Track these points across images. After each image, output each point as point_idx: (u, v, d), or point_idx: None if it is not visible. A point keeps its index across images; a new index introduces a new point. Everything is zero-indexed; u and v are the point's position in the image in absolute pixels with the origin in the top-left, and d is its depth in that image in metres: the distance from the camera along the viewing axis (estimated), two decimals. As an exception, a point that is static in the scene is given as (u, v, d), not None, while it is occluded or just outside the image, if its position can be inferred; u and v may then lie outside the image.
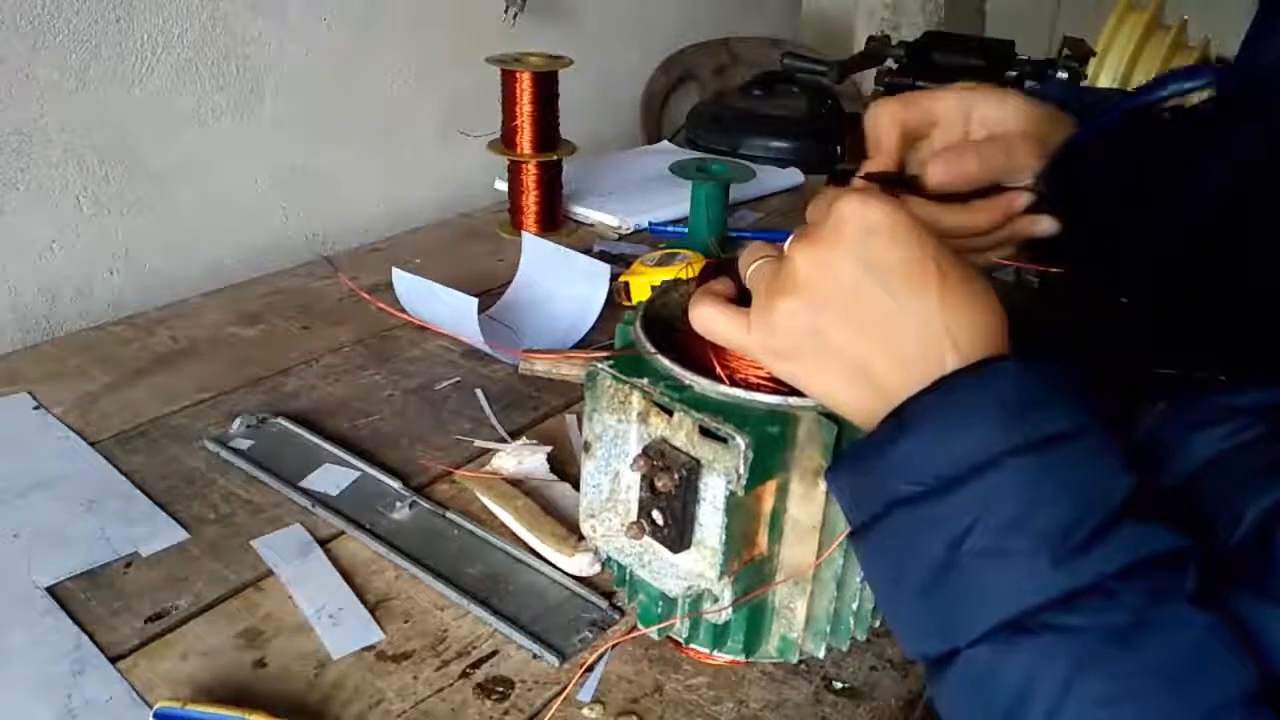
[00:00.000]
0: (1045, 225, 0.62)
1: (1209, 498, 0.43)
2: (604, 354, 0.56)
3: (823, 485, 0.52)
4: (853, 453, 0.46)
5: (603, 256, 1.13)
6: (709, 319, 0.51)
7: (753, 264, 0.50)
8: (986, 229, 0.62)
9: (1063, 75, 1.39)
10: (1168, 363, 0.52)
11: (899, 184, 0.59)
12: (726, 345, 0.51)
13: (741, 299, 0.51)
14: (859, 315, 0.45)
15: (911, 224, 0.45)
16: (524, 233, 1.13)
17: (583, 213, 1.36)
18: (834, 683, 0.62)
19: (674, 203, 1.34)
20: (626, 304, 1.03)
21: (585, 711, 0.59)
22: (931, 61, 1.44)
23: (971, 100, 0.62)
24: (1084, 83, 1.42)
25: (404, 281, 1.00)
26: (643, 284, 1.03)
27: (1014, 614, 0.39)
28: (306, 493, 0.76)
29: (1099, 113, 0.62)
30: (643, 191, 1.41)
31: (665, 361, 0.54)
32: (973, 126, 0.62)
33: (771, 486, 0.53)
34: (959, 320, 0.43)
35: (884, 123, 0.62)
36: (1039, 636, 0.39)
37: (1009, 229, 0.62)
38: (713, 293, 0.52)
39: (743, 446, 0.48)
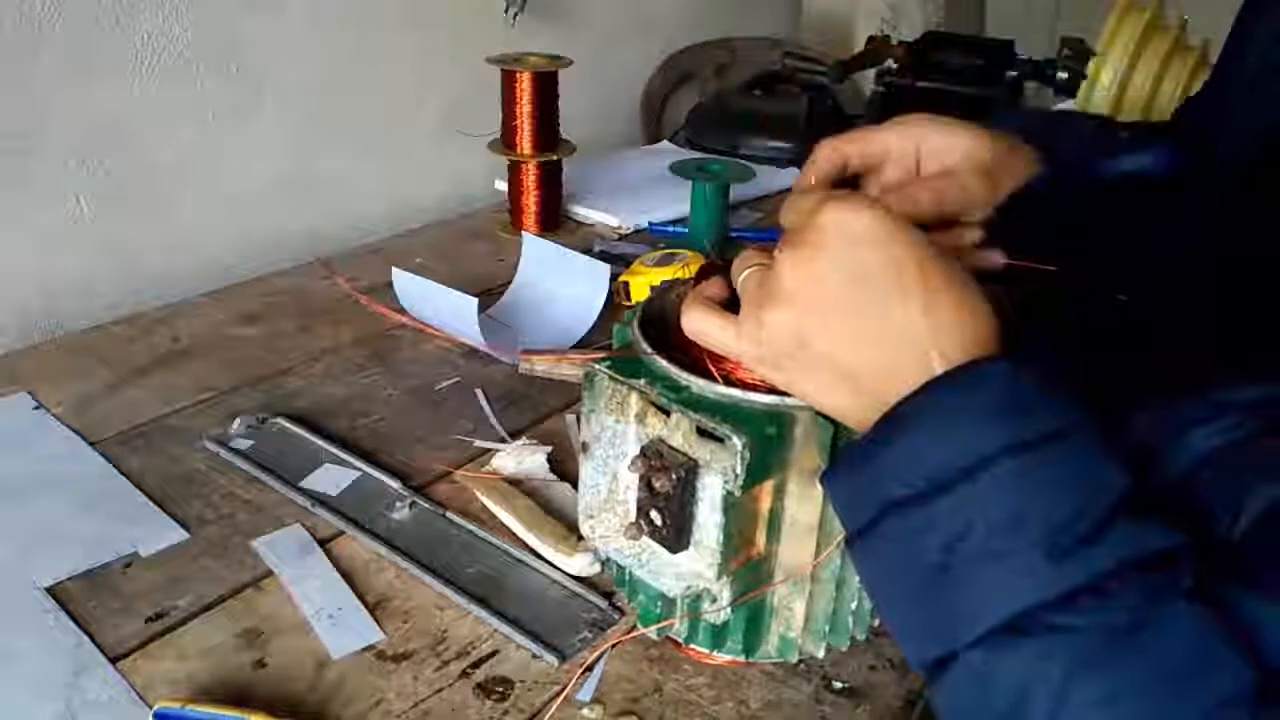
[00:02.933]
0: (994, 260, 0.60)
1: (1205, 495, 0.43)
2: (602, 354, 0.56)
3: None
4: (846, 457, 0.46)
5: (603, 256, 1.13)
6: (698, 324, 0.51)
7: (744, 271, 0.50)
8: None
9: (1063, 75, 1.39)
10: (1165, 361, 0.52)
11: None
12: (717, 351, 0.52)
13: (734, 301, 0.51)
14: (844, 323, 0.45)
15: (895, 229, 0.45)
16: (524, 233, 1.13)
17: (583, 213, 1.36)
18: (834, 682, 0.62)
19: (674, 203, 1.34)
20: (626, 304, 1.03)
21: (585, 711, 0.59)
22: (931, 61, 1.44)
23: (920, 133, 0.61)
24: (1084, 83, 1.43)
25: (404, 281, 1.00)
26: (642, 284, 1.03)
27: (1011, 615, 0.39)
28: (306, 493, 0.76)
29: (1057, 167, 0.61)
30: (643, 191, 1.41)
31: (662, 362, 0.54)
32: (923, 159, 0.61)
33: (769, 486, 0.53)
34: (944, 324, 0.44)
35: (822, 159, 0.61)
36: (1037, 637, 0.39)
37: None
38: (703, 297, 0.52)
39: (740, 446, 0.48)
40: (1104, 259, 0.63)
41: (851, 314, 0.45)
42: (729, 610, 0.55)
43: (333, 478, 0.78)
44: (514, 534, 0.72)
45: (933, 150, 0.61)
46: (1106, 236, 0.63)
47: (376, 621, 0.65)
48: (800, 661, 0.61)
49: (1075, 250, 0.62)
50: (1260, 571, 0.40)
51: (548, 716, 0.59)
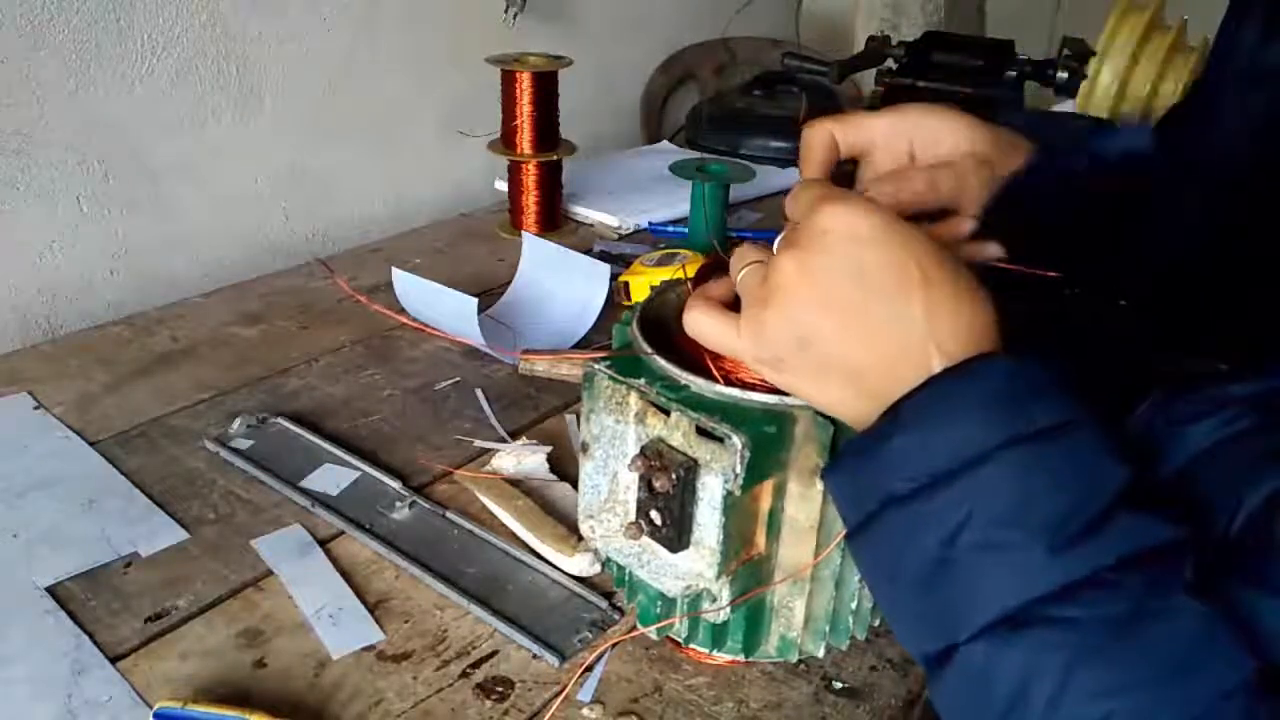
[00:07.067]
0: (991, 251, 0.60)
1: (1205, 488, 0.43)
2: (602, 354, 0.56)
3: (820, 484, 0.52)
4: (847, 453, 0.46)
5: (603, 256, 1.13)
6: (700, 324, 0.51)
7: (742, 269, 0.50)
8: None
9: (1063, 75, 1.39)
10: (1162, 359, 0.52)
11: None
12: (718, 350, 0.52)
13: (737, 301, 0.51)
14: (845, 322, 0.45)
15: (895, 228, 0.45)
16: (524, 233, 1.13)
17: (583, 213, 1.36)
18: (834, 682, 0.62)
19: (674, 203, 1.34)
20: (626, 304, 1.03)
21: (585, 711, 0.59)
22: (931, 61, 1.44)
23: (912, 121, 0.61)
24: (1084, 83, 1.43)
25: (404, 281, 1.00)
26: (642, 284, 1.03)
27: (1011, 607, 0.39)
28: (306, 493, 0.76)
29: (1053, 151, 0.61)
30: (643, 191, 1.41)
31: (662, 362, 0.54)
32: (915, 148, 0.61)
33: (769, 486, 0.53)
34: (944, 322, 0.44)
35: (815, 143, 0.61)
36: (1037, 629, 0.39)
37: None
38: (706, 297, 0.52)
39: (739, 446, 0.48)
40: (1094, 252, 0.63)
41: (852, 313, 0.45)
42: (729, 610, 0.55)
43: (333, 478, 0.78)
44: (514, 534, 0.72)
45: (926, 139, 0.61)
46: (1097, 231, 0.63)
47: (376, 621, 0.65)
48: (800, 661, 0.61)
49: (1065, 243, 0.62)
50: (1259, 565, 0.40)
51: (548, 716, 0.59)
